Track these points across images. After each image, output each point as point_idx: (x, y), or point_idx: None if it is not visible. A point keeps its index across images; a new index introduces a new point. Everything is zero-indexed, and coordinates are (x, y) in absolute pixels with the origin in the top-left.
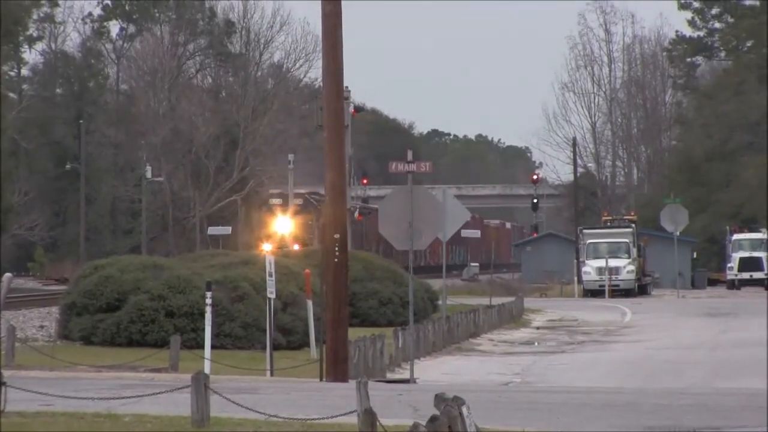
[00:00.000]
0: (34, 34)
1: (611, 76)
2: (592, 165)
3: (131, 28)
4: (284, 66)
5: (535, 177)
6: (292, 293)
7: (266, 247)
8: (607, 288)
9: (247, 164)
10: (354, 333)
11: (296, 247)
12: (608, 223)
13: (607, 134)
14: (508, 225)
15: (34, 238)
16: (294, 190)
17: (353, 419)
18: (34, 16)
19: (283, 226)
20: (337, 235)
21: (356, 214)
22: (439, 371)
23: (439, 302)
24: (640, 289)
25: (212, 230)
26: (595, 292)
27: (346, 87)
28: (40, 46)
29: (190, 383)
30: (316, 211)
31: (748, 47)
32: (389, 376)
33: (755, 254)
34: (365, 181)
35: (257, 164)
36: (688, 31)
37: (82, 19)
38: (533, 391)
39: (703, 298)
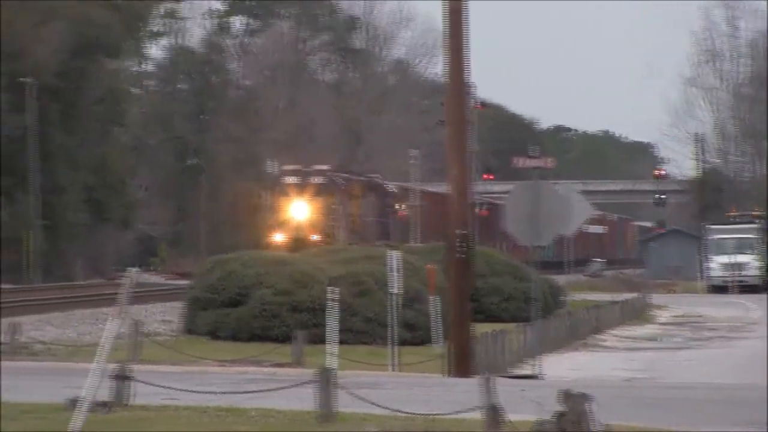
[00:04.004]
0: (158, 30)
1: (736, 71)
2: (716, 160)
3: (254, 24)
4: (407, 61)
5: (659, 173)
6: (415, 289)
7: (277, 238)
8: (732, 284)
9: (369, 159)
10: (478, 329)
11: (315, 237)
12: (734, 219)
13: (731, 130)
14: (631, 221)
15: (156, 233)
16: (315, 166)
17: (478, 415)
18: (158, 12)
19: (300, 211)
20: (460, 231)
21: (480, 210)
22: (563, 367)
23: (563, 298)
24: (767, 285)
25: None
26: (720, 289)
27: (470, 83)
28: (163, 41)
29: (315, 378)
30: (341, 193)
31: None
32: (513, 372)
33: None
34: (488, 176)
35: (379, 159)
36: None
37: (205, 15)
38: (657, 386)
39: None
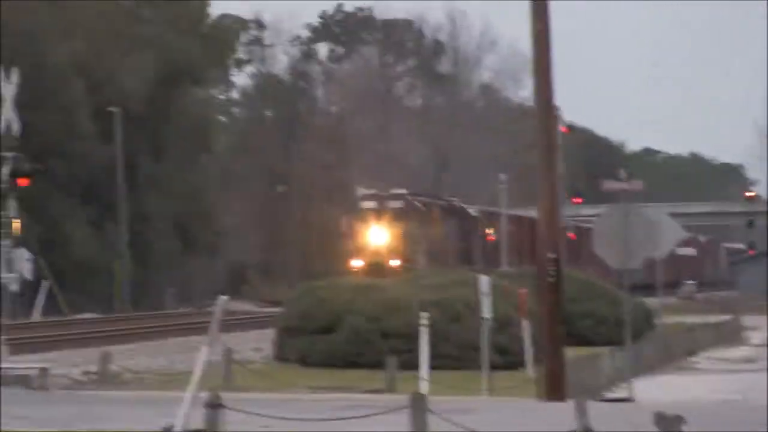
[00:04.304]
0: (244, 58)
1: None
2: None
3: (340, 50)
4: (494, 86)
5: (749, 194)
6: (508, 313)
7: (356, 264)
8: None
9: (458, 184)
10: (570, 352)
11: (395, 263)
12: None
13: None
14: (721, 242)
15: (247, 260)
16: (393, 190)
17: None
18: (243, 39)
19: (378, 236)
20: (551, 255)
21: (569, 233)
22: (656, 390)
23: (655, 321)
24: None
25: None
26: None
27: (557, 106)
28: (249, 69)
29: (408, 404)
30: (420, 217)
31: None
32: (606, 395)
33: None
34: (578, 200)
35: (468, 184)
36: None
37: (291, 42)
38: (752, 408)
39: None
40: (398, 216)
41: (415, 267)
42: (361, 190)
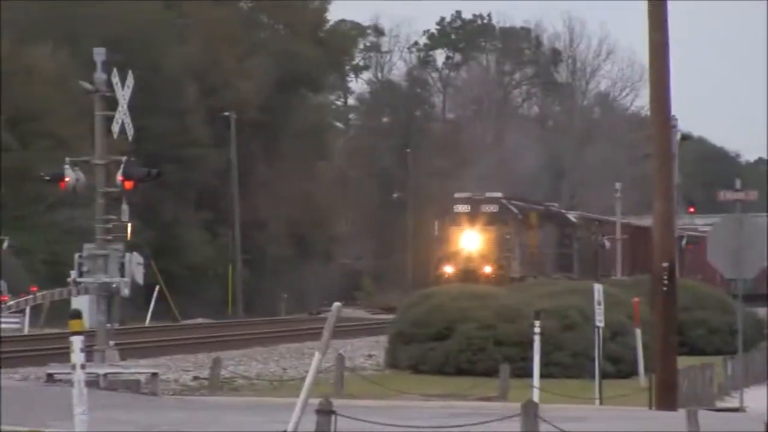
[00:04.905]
0: (361, 64)
1: None
2: None
3: (457, 57)
4: (611, 95)
5: None
6: (620, 322)
7: (447, 270)
8: None
9: (574, 193)
10: (682, 362)
11: (487, 269)
12: None
13: None
14: None
15: (361, 267)
16: (488, 194)
17: None
18: (360, 46)
19: (471, 241)
20: (665, 264)
21: (684, 243)
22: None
23: (766, 331)
24: None
25: None
26: None
27: (673, 115)
28: (366, 75)
29: (520, 412)
30: (515, 222)
31: None
32: (718, 404)
33: None
34: (692, 210)
35: (584, 193)
36: None
37: (408, 48)
38: None
39: None
40: (492, 220)
41: (508, 274)
42: (455, 194)
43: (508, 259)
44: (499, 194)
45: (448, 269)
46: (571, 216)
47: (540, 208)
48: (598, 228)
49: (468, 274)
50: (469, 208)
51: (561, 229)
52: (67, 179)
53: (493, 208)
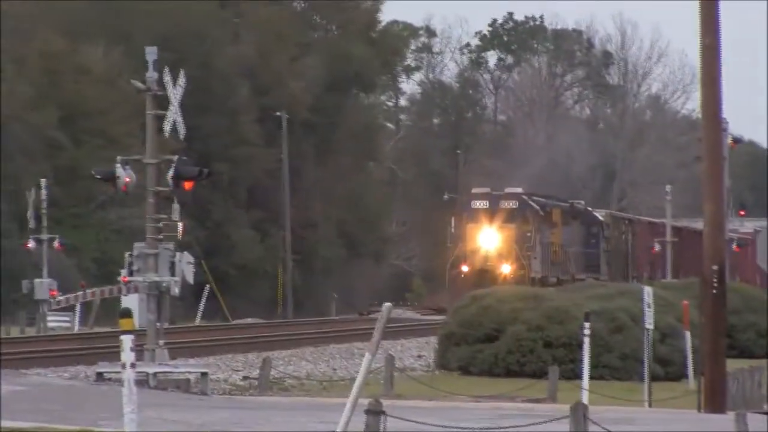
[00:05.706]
0: (412, 65)
1: None
2: None
3: (509, 59)
4: (662, 97)
5: None
6: (670, 324)
7: (464, 269)
8: None
9: (624, 195)
10: (732, 365)
11: (506, 269)
12: None
13: None
14: None
15: (412, 268)
16: (508, 189)
17: None
18: (412, 47)
19: (490, 239)
20: (715, 267)
21: (734, 246)
22: None
23: None
24: None
25: None
26: None
27: (724, 118)
28: (417, 76)
29: (569, 413)
30: (537, 219)
31: None
32: (767, 407)
33: None
34: (743, 213)
35: (634, 195)
36: None
37: (460, 50)
38: None
39: None
40: (512, 217)
41: (530, 274)
42: (474, 189)
43: (529, 258)
44: (519, 189)
45: (465, 269)
46: (599, 214)
47: (564, 204)
48: (627, 227)
49: (485, 274)
50: (488, 204)
51: (587, 228)
52: (126, 180)
53: (512, 204)
